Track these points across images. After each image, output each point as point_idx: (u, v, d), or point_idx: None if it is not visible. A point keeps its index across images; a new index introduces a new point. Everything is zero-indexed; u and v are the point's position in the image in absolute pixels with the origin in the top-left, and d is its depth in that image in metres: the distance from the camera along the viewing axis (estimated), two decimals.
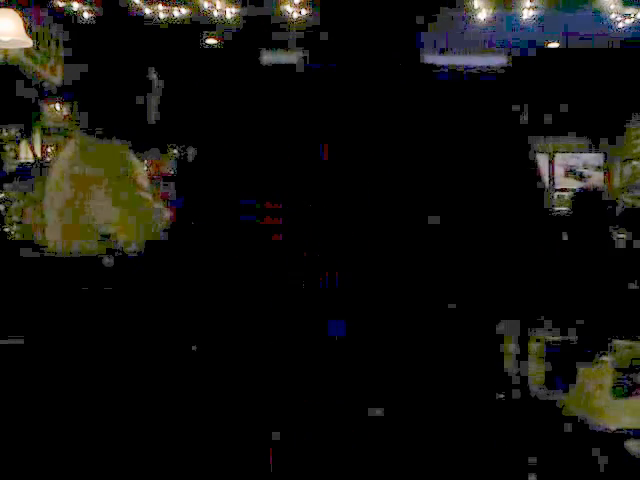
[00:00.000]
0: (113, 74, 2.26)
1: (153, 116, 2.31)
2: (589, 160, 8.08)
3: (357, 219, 1.38)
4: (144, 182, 2.17)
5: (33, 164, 5.79)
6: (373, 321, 1.39)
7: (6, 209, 5.35)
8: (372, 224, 1.39)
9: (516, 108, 1.46)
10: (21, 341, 1.70)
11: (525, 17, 5.99)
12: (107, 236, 2.05)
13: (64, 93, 6.09)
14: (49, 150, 6.22)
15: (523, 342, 1.85)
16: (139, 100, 2.27)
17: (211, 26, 6.01)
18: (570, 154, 8.09)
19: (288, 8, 5.62)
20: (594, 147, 7.97)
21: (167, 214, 2.15)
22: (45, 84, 6.04)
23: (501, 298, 1.43)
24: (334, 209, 1.38)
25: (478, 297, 1.40)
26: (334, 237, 1.39)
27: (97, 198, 2.07)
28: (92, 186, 2.08)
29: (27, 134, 6.04)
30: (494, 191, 1.41)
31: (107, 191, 2.06)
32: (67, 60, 6.02)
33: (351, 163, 1.39)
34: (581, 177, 8.00)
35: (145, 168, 2.28)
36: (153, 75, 2.32)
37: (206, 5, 5.71)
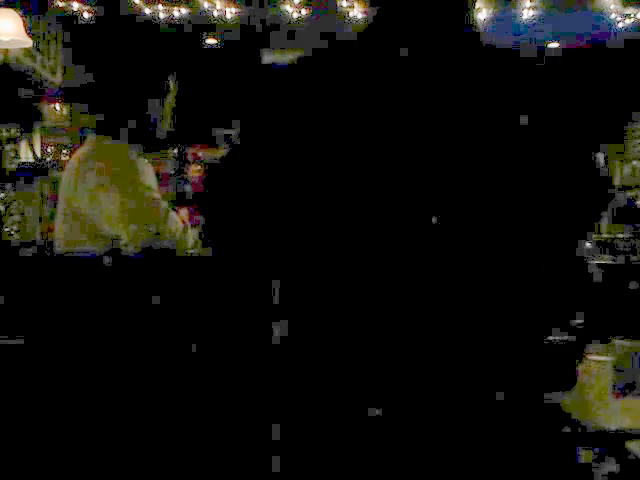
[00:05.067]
0: (133, 74, 2.24)
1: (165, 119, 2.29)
2: None
3: None
4: (152, 183, 2.17)
5: (33, 164, 5.78)
6: None
7: (6, 209, 5.35)
8: None
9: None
10: (22, 341, 1.71)
11: (526, 17, 6.01)
12: (115, 237, 2.06)
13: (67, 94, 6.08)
14: (49, 150, 6.22)
15: None
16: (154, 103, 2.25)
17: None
18: None
19: None
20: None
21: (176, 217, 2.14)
22: (45, 84, 6.04)
23: None
24: None
25: None
26: None
27: (105, 199, 2.08)
28: (101, 187, 2.08)
29: (27, 134, 6.03)
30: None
31: (115, 192, 2.07)
32: (72, 61, 6.01)
33: None
34: None
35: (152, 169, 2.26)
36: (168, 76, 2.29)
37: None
